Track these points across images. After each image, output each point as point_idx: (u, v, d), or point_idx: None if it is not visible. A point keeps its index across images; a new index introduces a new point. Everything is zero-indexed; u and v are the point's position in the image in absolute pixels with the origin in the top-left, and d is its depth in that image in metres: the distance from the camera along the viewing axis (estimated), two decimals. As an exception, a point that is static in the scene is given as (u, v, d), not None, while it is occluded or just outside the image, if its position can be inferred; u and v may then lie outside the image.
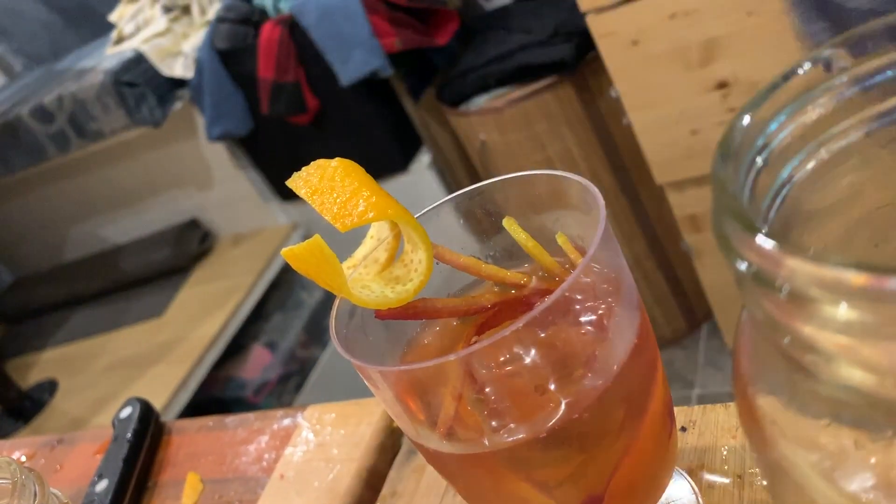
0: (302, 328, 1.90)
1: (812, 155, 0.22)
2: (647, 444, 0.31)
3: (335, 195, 0.29)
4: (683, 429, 0.41)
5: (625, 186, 1.54)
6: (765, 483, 0.37)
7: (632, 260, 1.59)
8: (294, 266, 0.28)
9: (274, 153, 1.82)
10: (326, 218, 0.29)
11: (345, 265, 0.34)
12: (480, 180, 0.36)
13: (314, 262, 0.28)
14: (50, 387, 1.82)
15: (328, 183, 0.30)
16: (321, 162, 0.30)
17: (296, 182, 0.30)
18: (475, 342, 0.27)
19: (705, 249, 1.41)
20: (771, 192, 0.21)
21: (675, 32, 1.16)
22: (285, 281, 1.95)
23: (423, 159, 1.71)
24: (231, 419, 0.60)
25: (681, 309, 1.67)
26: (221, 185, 1.93)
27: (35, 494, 0.33)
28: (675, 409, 0.41)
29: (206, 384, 1.68)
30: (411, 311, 0.32)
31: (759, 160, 0.20)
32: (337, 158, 0.30)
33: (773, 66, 1.14)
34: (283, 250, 0.28)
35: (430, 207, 0.35)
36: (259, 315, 1.88)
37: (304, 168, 0.30)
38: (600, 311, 0.29)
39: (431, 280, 0.31)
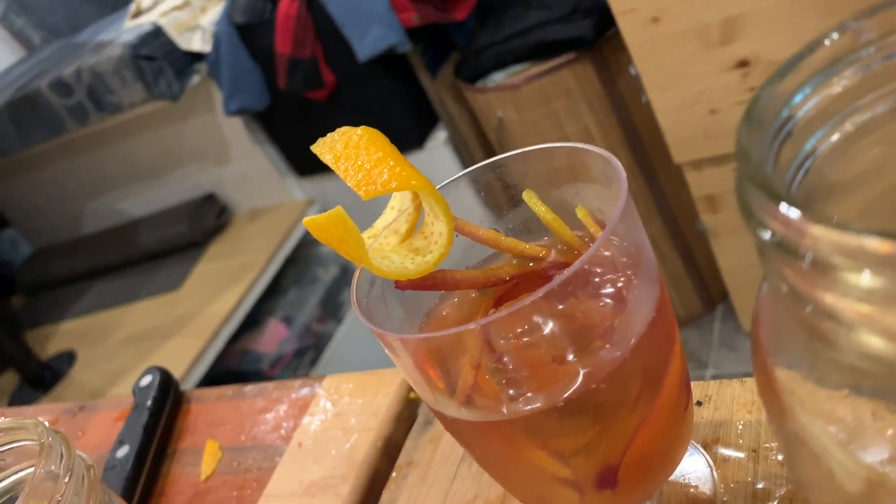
0: (317, 303, 1.91)
1: (837, 127, 0.22)
2: (662, 416, 0.31)
3: (360, 162, 0.29)
4: (699, 403, 0.41)
5: (642, 166, 1.53)
6: (780, 457, 0.37)
7: (648, 240, 1.59)
8: (316, 235, 0.28)
9: (291, 128, 1.82)
10: (350, 184, 0.29)
11: (365, 235, 0.34)
12: (497, 158, 0.36)
13: (336, 232, 0.29)
14: (69, 358, 1.84)
15: (353, 150, 0.30)
16: (346, 129, 0.30)
17: (321, 147, 0.30)
18: (493, 312, 0.27)
19: (722, 230, 1.40)
20: (794, 164, 0.21)
21: (696, 10, 1.15)
22: (301, 256, 1.96)
23: (440, 136, 1.71)
24: (250, 388, 0.61)
25: (696, 289, 1.67)
26: (238, 160, 1.94)
27: (62, 456, 0.34)
28: (692, 383, 0.41)
29: (222, 357, 1.70)
30: (430, 282, 0.32)
31: (783, 131, 0.20)
32: (362, 127, 0.31)
33: (795, 45, 1.12)
34: (306, 219, 0.28)
35: (450, 180, 0.35)
36: (275, 290, 1.89)
37: (329, 134, 0.30)
38: (619, 284, 0.29)
39: (450, 252, 0.31)
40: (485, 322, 0.27)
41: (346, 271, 1.96)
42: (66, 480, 0.33)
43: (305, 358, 1.83)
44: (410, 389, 0.53)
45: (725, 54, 1.17)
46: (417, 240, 0.33)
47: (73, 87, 1.70)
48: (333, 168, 0.30)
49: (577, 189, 0.33)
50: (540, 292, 0.26)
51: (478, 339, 0.28)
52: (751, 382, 0.41)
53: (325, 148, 0.30)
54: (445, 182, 0.36)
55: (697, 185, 1.36)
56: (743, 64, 1.18)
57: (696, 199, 1.38)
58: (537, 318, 0.28)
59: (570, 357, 0.28)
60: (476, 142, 1.73)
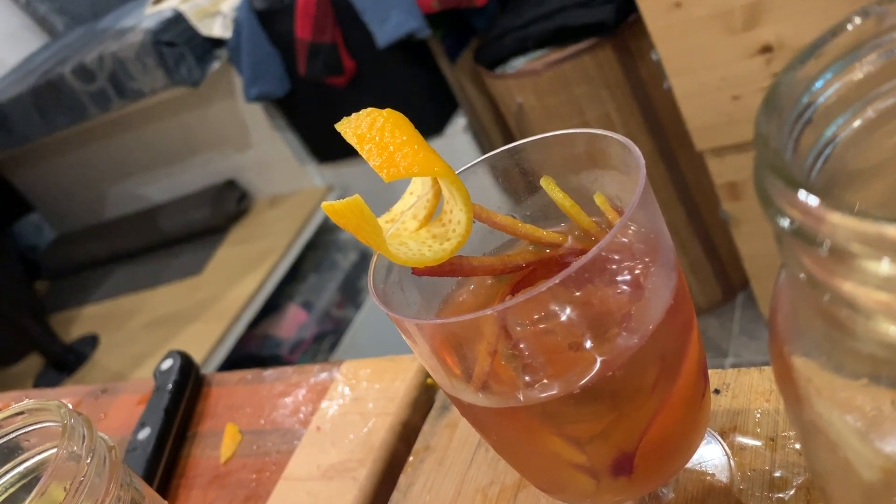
0: (337, 289, 1.92)
1: (858, 114, 0.21)
2: (679, 404, 0.31)
3: (383, 144, 0.30)
4: (717, 391, 0.41)
5: (664, 152, 1.52)
6: (797, 446, 0.37)
7: (669, 227, 1.58)
8: (334, 220, 0.29)
9: (311, 115, 1.82)
10: (372, 165, 0.29)
11: (382, 219, 0.34)
12: (517, 144, 0.36)
13: (353, 219, 0.29)
14: (92, 341, 1.87)
15: (377, 132, 0.30)
16: (371, 111, 0.30)
17: (345, 126, 0.30)
18: (510, 299, 0.27)
19: (744, 218, 1.39)
20: (814, 151, 0.21)
21: (720, -6, 1.13)
22: (321, 242, 1.97)
23: (459, 122, 1.71)
24: (269, 373, 0.62)
25: (716, 277, 1.66)
26: (259, 147, 1.95)
27: (84, 437, 0.34)
28: (710, 371, 0.41)
29: (242, 342, 1.71)
30: (448, 269, 0.32)
31: (803, 118, 0.20)
32: (387, 109, 0.31)
33: (819, 30, 1.11)
34: (324, 204, 0.28)
35: (468, 166, 0.35)
36: (295, 275, 1.91)
37: (354, 114, 0.31)
38: (637, 271, 0.29)
39: (468, 239, 0.32)
40: (501, 308, 0.27)
41: (365, 257, 1.97)
42: (88, 461, 0.33)
43: (325, 343, 1.84)
44: (427, 375, 0.53)
45: (748, 39, 1.16)
46: (436, 227, 0.33)
47: (96, 73, 1.71)
48: (356, 148, 0.30)
49: (596, 176, 0.33)
50: (557, 279, 0.26)
51: (494, 325, 0.28)
52: (769, 371, 0.40)
53: (350, 127, 0.30)
54: (463, 168, 0.36)
55: (719, 173, 1.35)
56: (766, 49, 1.16)
57: (717, 186, 1.37)
58: (554, 305, 0.28)
59: (587, 344, 0.28)
60: (495, 128, 1.72)
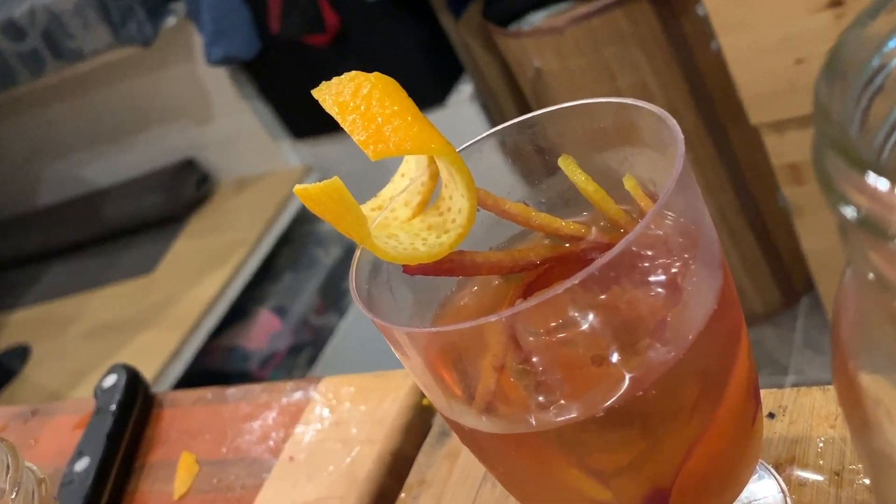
0: (317, 291, 1.92)
1: (940, 80, 0.21)
2: (725, 430, 0.32)
3: (370, 115, 0.30)
4: (771, 415, 0.41)
5: (711, 127, 1.52)
6: (867, 481, 0.37)
7: (717, 216, 1.58)
8: (309, 207, 0.29)
9: (285, 81, 1.82)
10: (356, 140, 0.30)
11: (367, 206, 0.34)
12: (533, 116, 0.36)
13: (332, 205, 0.29)
14: (21, 353, 1.87)
15: (363, 100, 0.30)
16: (357, 74, 0.31)
17: (324, 92, 0.30)
18: (521, 303, 0.27)
19: (808, 206, 1.39)
20: (886, 125, 0.21)
21: (780, -65, 1.13)
22: (298, 235, 1.97)
23: (464, 90, 1.71)
24: (233, 391, 0.62)
25: (775, 278, 1.66)
26: (223, 119, 1.95)
27: (8, 468, 0.34)
28: (763, 391, 0.41)
29: (202, 354, 1.72)
30: (446, 267, 0.32)
31: (872, 85, 0.20)
32: (376, 73, 0.31)
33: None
34: (297, 187, 0.28)
35: (472, 142, 0.35)
36: (266, 274, 1.91)
37: (335, 78, 0.31)
38: (674, 270, 0.30)
39: (471, 230, 0.32)
40: (510, 314, 0.27)
41: (350, 252, 1.97)
42: (13, 497, 0.34)
43: (302, 356, 1.84)
44: (423, 395, 0.54)
45: (815, -10, 1.16)
46: (432, 215, 0.33)
47: (26, 30, 1.71)
48: (337, 119, 0.30)
49: (626, 154, 0.33)
50: (577, 278, 0.26)
51: (502, 334, 0.28)
52: (834, 391, 0.40)
53: (330, 94, 0.31)
54: (465, 145, 0.36)
55: (778, 152, 1.35)
56: (837, 3, 1.16)
57: (776, 168, 1.37)
58: (574, 310, 0.28)
59: (613, 357, 0.29)
60: (508, 97, 1.72)
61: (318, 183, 0.28)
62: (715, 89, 1.49)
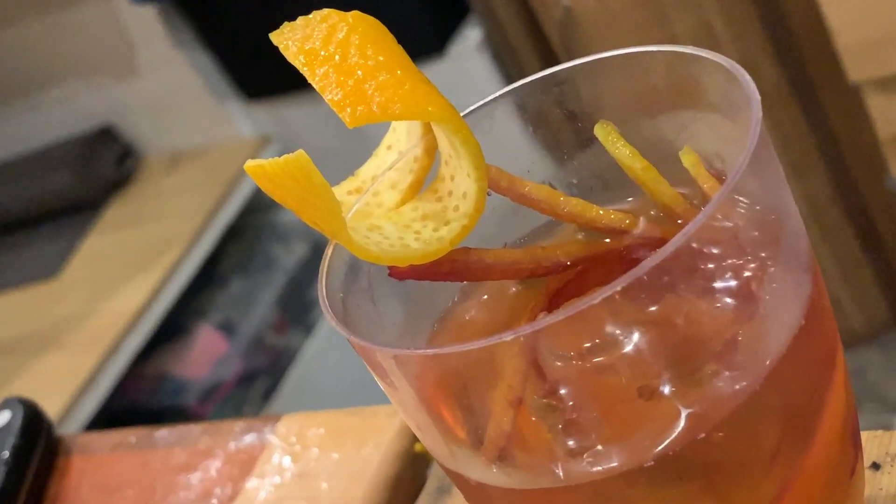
0: (275, 301, 1.92)
1: None
2: (814, 485, 0.32)
3: (347, 68, 0.30)
4: (876, 465, 0.41)
5: (796, 86, 1.52)
6: None
7: (804, 203, 1.58)
8: (265, 189, 0.29)
9: (234, 24, 1.82)
10: (328, 99, 0.30)
11: (343, 189, 0.34)
12: (560, 69, 0.36)
13: (295, 188, 0.29)
14: None
15: (338, 48, 0.30)
16: (330, 13, 0.31)
17: (285, 37, 0.30)
18: (545, 317, 0.27)
19: (925, 189, 1.39)
20: None
21: None
22: (251, 227, 1.97)
23: (471, 36, 1.70)
24: (164, 434, 0.62)
25: (881, 286, 1.66)
26: (152, 75, 1.94)
27: None
28: (864, 434, 0.41)
29: (125, 385, 1.71)
30: (447, 269, 0.32)
31: None
32: (355, 13, 0.31)
33: None
34: (249, 163, 0.28)
35: (481, 104, 0.35)
36: (209, 280, 1.91)
37: (301, 18, 0.31)
38: (747, 274, 0.30)
39: (479, 221, 0.32)
40: (531, 331, 0.27)
41: (319, 251, 1.97)
42: None
43: (256, 387, 1.84)
44: (415, 439, 0.53)
45: None
46: (428, 202, 0.33)
47: None
48: (304, 72, 0.30)
49: (684, 121, 0.33)
50: (619, 284, 0.26)
51: (520, 357, 0.29)
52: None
53: (294, 38, 0.31)
54: (472, 108, 0.36)
55: (886, 118, 1.35)
56: (963, -79, 1.16)
57: (882, 140, 1.37)
58: (614, 327, 0.28)
59: (667, 389, 0.29)
60: (528, 45, 1.72)
61: (276, 158, 0.28)
62: (801, 37, 1.49)
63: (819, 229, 1.59)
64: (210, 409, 1.81)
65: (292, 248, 1.98)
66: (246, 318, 1.90)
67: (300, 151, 0.29)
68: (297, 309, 1.93)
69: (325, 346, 1.86)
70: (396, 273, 0.31)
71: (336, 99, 0.30)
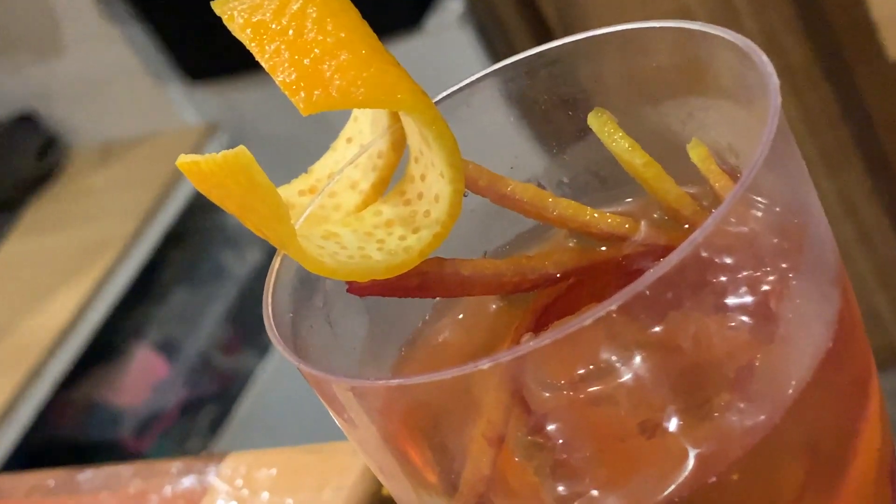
0: (224, 318, 1.92)
1: None
2: (847, 534, 0.32)
3: (302, 44, 0.30)
4: (918, 510, 0.41)
5: (827, 64, 1.53)
6: None
7: (837, 201, 1.58)
8: (201, 189, 0.29)
9: (175, -6, 1.82)
10: (278, 81, 0.30)
11: (293, 188, 0.34)
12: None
13: (235, 188, 0.29)
14: None
15: (292, 21, 0.30)
16: None
17: (230, 7, 0.30)
18: (530, 339, 0.27)
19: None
20: None
21: None
22: (196, 230, 1.97)
23: (451, 8, 1.71)
24: (89, 476, 0.61)
25: (926, 298, 1.67)
26: (79, 54, 1.94)
27: None
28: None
29: (47, 415, 1.71)
30: (416, 283, 0.32)
31: None
32: None
33: None
34: (182, 159, 0.28)
35: (456, 88, 0.36)
36: (146, 292, 1.90)
37: None
38: (765, 288, 0.29)
39: (455, 227, 0.32)
40: (513, 356, 0.27)
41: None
42: None
43: (201, 417, 1.84)
44: (380, 483, 0.53)
45: None
46: (394, 205, 0.33)
47: None
48: (252, 49, 0.30)
49: (691, 109, 0.33)
50: (617, 301, 0.26)
51: (501, 388, 0.28)
52: None
53: (241, 8, 0.31)
54: (449, 91, 0.36)
55: (932, 102, 1.35)
56: None
57: (928, 127, 1.38)
58: (612, 351, 0.28)
59: (672, 424, 0.29)
60: (517, 19, 1.72)
61: (214, 154, 0.28)
62: (834, 7, 1.49)
63: (854, 230, 1.60)
64: (148, 444, 1.81)
65: (244, 254, 1.98)
66: (190, 337, 1.90)
67: (241, 148, 0.28)
68: (249, 326, 1.93)
69: (282, 369, 1.86)
70: (356, 289, 0.31)
71: (288, 81, 0.30)
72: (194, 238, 1.98)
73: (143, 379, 1.86)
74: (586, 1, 1.56)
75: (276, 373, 1.86)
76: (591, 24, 1.57)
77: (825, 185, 1.54)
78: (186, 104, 1.97)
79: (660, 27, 0.33)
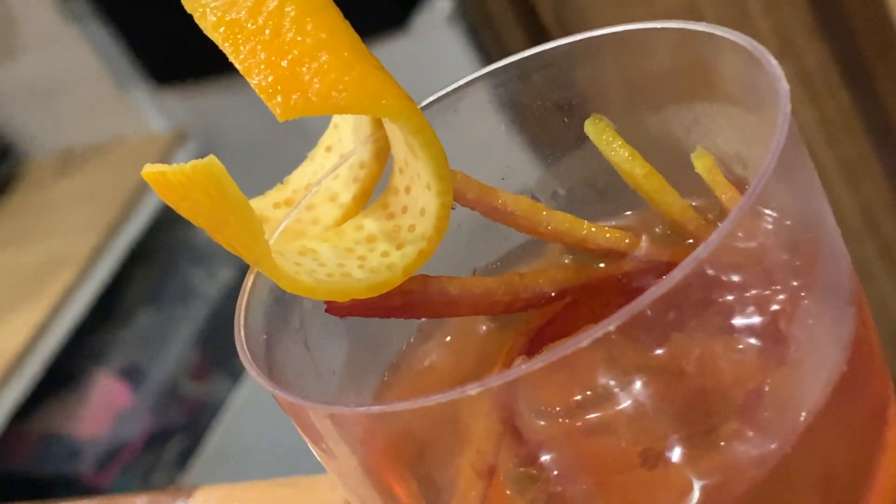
0: (194, 341, 1.91)
1: None
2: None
3: (279, 45, 0.30)
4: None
5: (846, 67, 1.53)
6: None
7: (857, 213, 1.59)
8: (168, 201, 0.29)
9: (141, -9, 1.82)
10: (253, 83, 0.30)
11: (268, 201, 0.34)
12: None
13: (205, 201, 0.29)
14: None
15: (269, 20, 0.30)
16: None
17: (201, 3, 0.31)
18: (522, 363, 0.27)
19: None
20: None
21: None
22: (163, 246, 1.97)
23: (440, 7, 1.71)
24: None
25: (953, 319, 1.67)
26: (36, 55, 1.94)
27: None
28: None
29: (1, 448, 1.70)
30: (400, 303, 0.32)
31: None
32: None
33: None
34: (147, 168, 0.28)
35: (444, 92, 0.36)
36: (109, 314, 1.90)
37: None
38: (775, 308, 0.30)
39: (442, 243, 0.32)
40: (504, 381, 0.27)
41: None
42: None
43: (168, 450, 1.84)
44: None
45: None
46: (376, 218, 0.33)
47: None
48: (225, 48, 0.31)
49: (695, 115, 0.33)
50: (615, 321, 0.26)
51: (491, 416, 0.29)
52: None
53: (214, 6, 0.31)
54: (436, 96, 0.36)
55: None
56: None
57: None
58: (610, 375, 0.28)
59: (676, 454, 0.29)
60: (511, 19, 1.73)
61: (182, 164, 0.28)
62: (852, 6, 1.50)
63: (876, 245, 1.60)
64: (110, 479, 1.80)
65: (215, 273, 1.98)
66: (156, 363, 1.89)
67: (211, 157, 0.29)
68: (220, 351, 1.92)
69: (255, 397, 1.85)
70: (336, 309, 0.31)
71: (265, 84, 0.30)
72: (161, 255, 1.97)
73: (104, 408, 1.85)
74: (587, 7, 1.57)
75: (250, 401, 1.86)
76: (590, 25, 1.57)
77: (844, 199, 1.55)
78: (152, 110, 1.97)
79: (661, 28, 0.33)
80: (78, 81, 1.95)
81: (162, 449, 1.84)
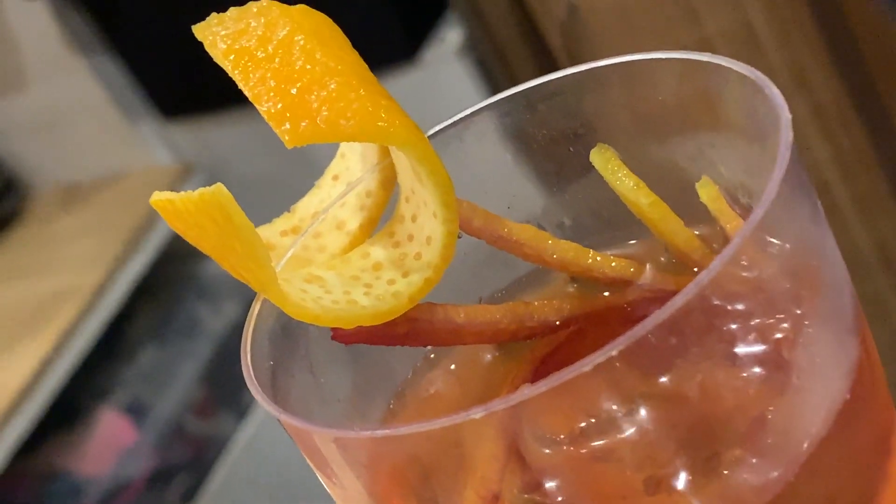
0: (199, 377, 1.90)
1: None
2: None
3: (288, 73, 0.30)
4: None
5: (859, 101, 1.53)
6: None
7: (873, 249, 1.58)
8: (176, 229, 0.29)
9: (149, 25, 1.82)
10: (262, 110, 0.30)
11: (275, 228, 0.34)
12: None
13: (212, 228, 0.29)
14: None
15: (279, 49, 0.30)
16: (270, 5, 0.31)
17: (212, 31, 0.31)
18: (527, 389, 0.28)
19: None
20: None
21: None
22: (168, 281, 1.96)
23: (449, 39, 1.71)
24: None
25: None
26: (41, 87, 1.94)
27: None
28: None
29: (3, 485, 1.70)
30: (404, 331, 0.32)
31: None
32: (301, 6, 0.31)
33: None
34: (156, 196, 0.29)
35: (451, 122, 0.36)
36: (113, 350, 1.89)
37: (233, 9, 0.31)
38: (778, 335, 0.30)
39: (447, 271, 0.32)
40: (508, 406, 0.27)
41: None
42: None
43: (172, 488, 1.83)
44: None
45: None
46: (382, 246, 0.33)
47: None
48: (234, 75, 0.31)
49: (700, 144, 0.34)
50: (618, 347, 0.26)
51: (495, 441, 0.29)
52: None
53: (224, 34, 0.31)
54: (443, 125, 0.36)
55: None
56: None
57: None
58: (612, 403, 0.28)
59: (679, 481, 0.29)
60: (522, 51, 1.73)
61: (189, 192, 0.29)
62: (866, 39, 1.50)
63: (891, 281, 1.59)
64: (115, 517, 1.80)
65: (221, 308, 1.97)
66: (161, 399, 1.89)
67: (218, 185, 0.29)
68: (226, 386, 1.91)
69: (262, 434, 1.84)
70: (342, 336, 0.31)
71: (273, 111, 0.30)
72: (166, 290, 1.96)
73: (108, 445, 1.84)
74: (596, 32, 1.57)
75: (256, 438, 1.84)
76: (599, 56, 1.57)
77: (859, 235, 1.54)
78: (159, 143, 1.97)
79: (666, 58, 0.33)
80: (83, 114, 1.95)
81: (166, 487, 1.83)
